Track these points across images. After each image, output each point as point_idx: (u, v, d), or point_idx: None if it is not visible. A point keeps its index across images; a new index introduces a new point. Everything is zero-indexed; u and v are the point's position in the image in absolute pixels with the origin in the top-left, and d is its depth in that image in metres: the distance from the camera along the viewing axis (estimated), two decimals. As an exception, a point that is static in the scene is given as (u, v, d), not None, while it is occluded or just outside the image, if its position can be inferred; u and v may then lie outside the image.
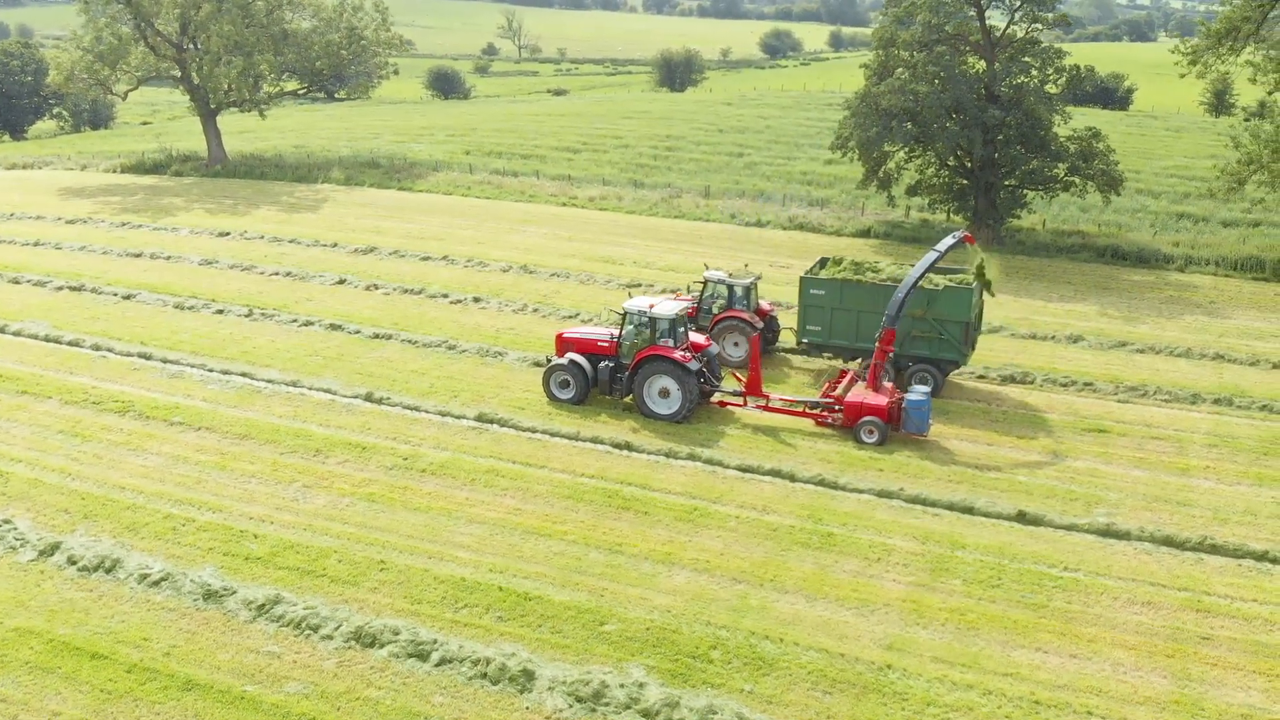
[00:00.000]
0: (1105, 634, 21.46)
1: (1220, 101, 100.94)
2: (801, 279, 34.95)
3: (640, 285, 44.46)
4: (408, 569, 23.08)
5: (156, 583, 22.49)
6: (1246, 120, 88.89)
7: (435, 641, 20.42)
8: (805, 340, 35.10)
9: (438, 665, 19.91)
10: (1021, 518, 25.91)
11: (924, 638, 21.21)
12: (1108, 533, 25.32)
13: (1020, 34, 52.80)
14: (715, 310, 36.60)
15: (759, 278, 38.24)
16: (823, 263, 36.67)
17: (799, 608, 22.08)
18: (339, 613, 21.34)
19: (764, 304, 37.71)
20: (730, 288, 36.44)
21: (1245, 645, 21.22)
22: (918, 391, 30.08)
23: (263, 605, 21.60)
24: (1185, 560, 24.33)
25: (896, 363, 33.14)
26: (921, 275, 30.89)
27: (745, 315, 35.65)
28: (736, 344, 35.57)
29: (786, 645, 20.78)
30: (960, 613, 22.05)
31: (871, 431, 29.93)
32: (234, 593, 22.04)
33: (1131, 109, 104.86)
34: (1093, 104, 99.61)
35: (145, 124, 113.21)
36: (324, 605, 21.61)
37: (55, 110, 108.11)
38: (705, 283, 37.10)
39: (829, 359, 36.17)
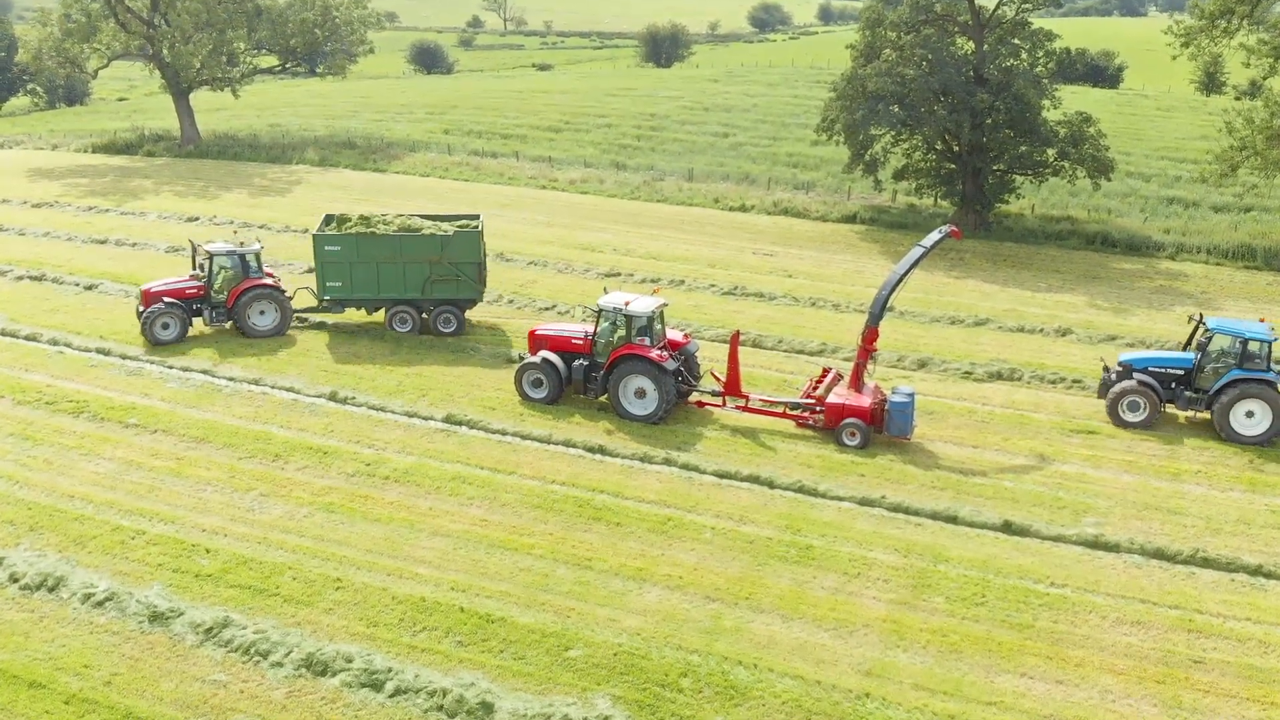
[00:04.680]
0: (1093, 657, 20.54)
1: (1211, 80, 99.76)
2: (314, 237, 35.73)
3: (620, 274, 43.38)
4: (365, 587, 22.01)
5: (101, 603, 21.38)
6: (1237, 99, 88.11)
7: (390, 670, 19.38)
8: (327, 298, 36.11)
9: (392, 696, 18.88)
10: (1007, 528, 24.95)
11: (904, 662, 20.26)
12: (1096, 544, 24.38)
13: (1010, 14, 51.62)
14: (219, 284, 35.69)
15: (260, 243, 37.54)
16: (329, 220, 37.44)
17: (775, 629, 21.10)
18: (290, 637, 20.28)
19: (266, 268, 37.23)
20: (241, 257, 35.85)
21: (1238, 669, 20.33)
22: (902, 393, 29.07)
23: (210, 628, 20.52)
24: (1176, 575, 23.42)
25: (419, 307, 35.96)
26: (908, 271, 29.81)
27: (269, 281, 35.81)
28: (263, 312, 35.75)
29: (761, 671, 19.81)
30: (942, 634, 21.10)
31: (853, 434, 28.93)
32: (181, 614, 20.94)
33: (1122, 87, 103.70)
34: (1083, 82, 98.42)
35: (121, 100, 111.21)
36: (275, 629, 20.53)
37: (29, 87, 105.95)
38: (210, 256, 35.77)
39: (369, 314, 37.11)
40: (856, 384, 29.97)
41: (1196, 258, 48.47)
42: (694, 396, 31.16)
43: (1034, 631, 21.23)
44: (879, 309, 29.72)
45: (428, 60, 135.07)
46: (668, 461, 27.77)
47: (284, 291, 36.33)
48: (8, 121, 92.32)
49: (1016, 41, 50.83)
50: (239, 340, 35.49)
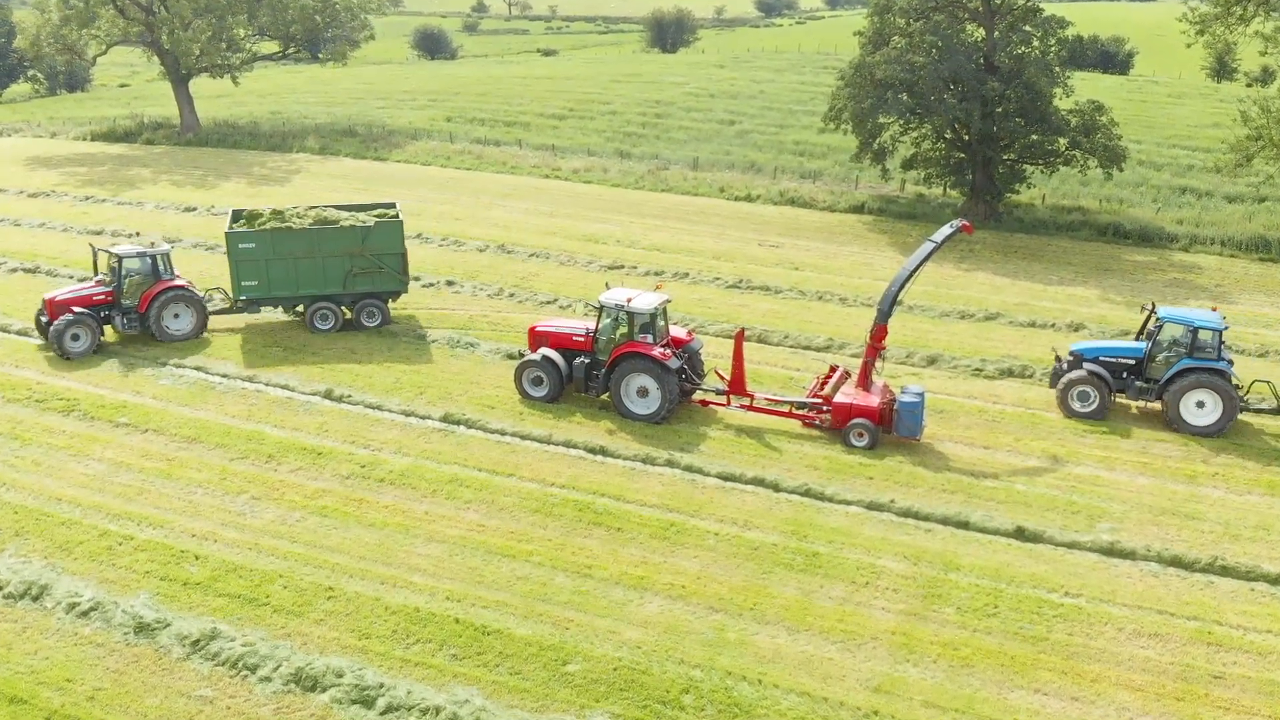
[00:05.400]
0: (1109, 672, 19.85)
1: (1223, 66, 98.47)
2: (228, 235, 34.39)
3: (623, 267, 42.62)
4: (357, 597, 21.37)
5: (86, 613, 20.78)
6: (1248, 85, 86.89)
7: (382, 686, 18.73)
8: (243, 298, 34.71)
9: (383, 714, 18.24)
10: (1020, 534, 24.25)
11: (914, 677, 19.58)
12: (1111, 551, 23.67)
13: (1022, 0, 50.58)
14: (129, 289, 33.64)
15: (169, 243, 35.78)
16: (237, 215, 35.81)
17: (780, 641, 20.43)
18: (279, 650, 19.64)
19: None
20: (151, 259, 34.02)
21: (1259, 685, 19.63)
22: (911, 393, 28.32)
23: (197, 641, 19.90)
24: (1194, 584, 22.70)
25: (340, 301, 34.98)
26: (918, 267, 29.01)
27: (182, 283, 34.16)
28: (177, 315, 33.96)
29: (765, 687, 19.14)
30: (953, 647, 20.42)
31: (861, 434, 28.19)
32: (168, 625, 20.32)
33: (1132, 73, 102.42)
34: (1093, 68, 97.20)
35: (124, 86, 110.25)
36: (264, 641, 19.90)
37: (30, 73, 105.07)
38: (119, 260, 33.61)
39: (285, 313, 36.19)
40: (865, 383, 29.23)
41: (1210, 249, 47.56)
42: (698, 395, 30.42)
43: (1048, 644, 20.55)
44: (888, 306, 28.95)
45: (431, 46, 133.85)
46: (670, 463, 27.06)
47: (198, 293, 34.79)
48: (8, 108, 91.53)
49: (1028, 29, 49.81)
50: (232, 335, 34.80)
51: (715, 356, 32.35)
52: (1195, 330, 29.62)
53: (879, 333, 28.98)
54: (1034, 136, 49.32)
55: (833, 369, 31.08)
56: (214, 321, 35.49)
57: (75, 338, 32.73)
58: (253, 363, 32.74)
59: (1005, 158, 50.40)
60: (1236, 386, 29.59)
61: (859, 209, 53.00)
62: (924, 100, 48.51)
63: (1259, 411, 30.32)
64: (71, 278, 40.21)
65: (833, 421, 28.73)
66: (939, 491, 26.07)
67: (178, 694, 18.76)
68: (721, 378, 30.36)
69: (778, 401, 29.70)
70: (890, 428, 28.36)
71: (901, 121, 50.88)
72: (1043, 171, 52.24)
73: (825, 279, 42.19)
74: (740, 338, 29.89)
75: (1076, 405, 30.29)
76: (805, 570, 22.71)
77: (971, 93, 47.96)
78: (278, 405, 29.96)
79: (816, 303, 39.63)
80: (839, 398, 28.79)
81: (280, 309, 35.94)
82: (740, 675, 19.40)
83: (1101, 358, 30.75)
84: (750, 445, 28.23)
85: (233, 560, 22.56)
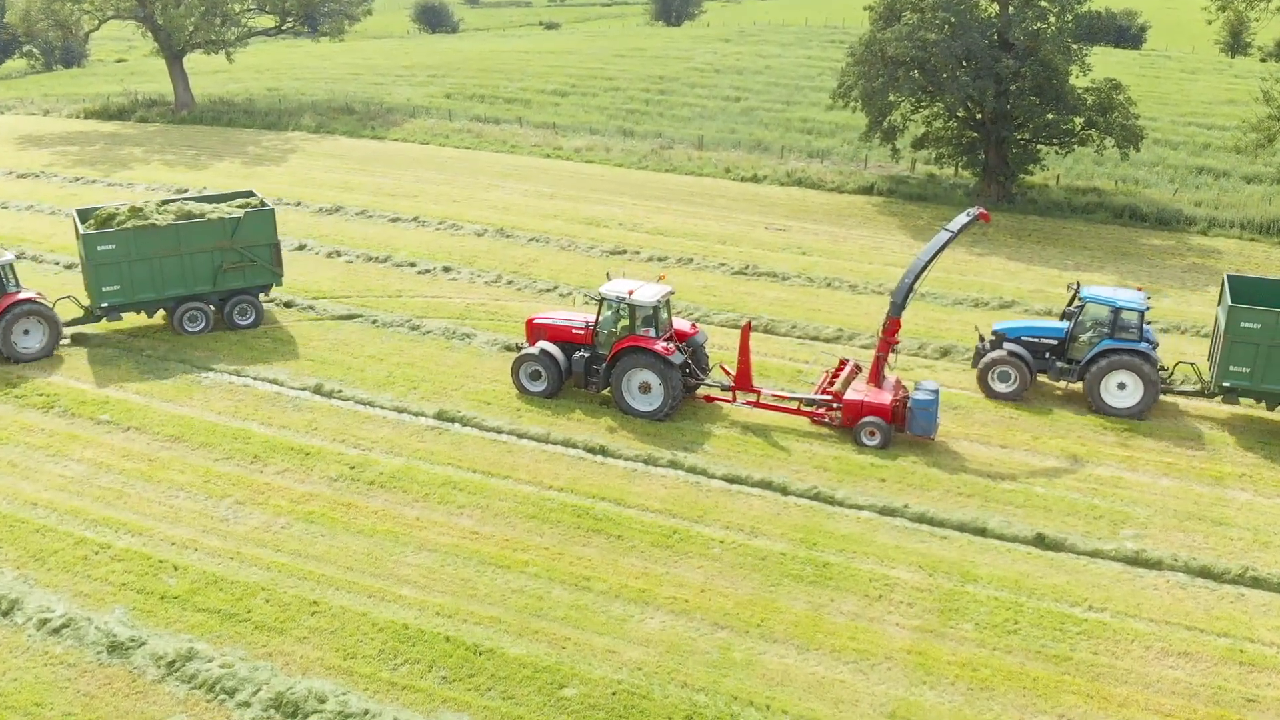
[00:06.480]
0: (1137, 695, 18.76)
1: (1236, 40, 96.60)
2: (84, 236, 31.47)
3: (625, 252, 41.35)
4: (343, 612, 20.29)
5: (57, 629, 19.75)
6: (1262, 60, 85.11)
7: (367, 712, 17.69)
8: (104, 305, 31.97)
9: (368, 744, 17.21)
10: (1040, 541, 23.13)
11: (931, 701, 18.49)
12: (1136, 560, 22.55)
13: (1037, -26, 48.98)
14: None
15: (12, 252, 32.74)
16: (86, 215, 32.96)
17: (789, 661, 19.33)
18: (259, 672, 18.57)
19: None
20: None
21: (1297, 709, 18.54)
22: (925, 390, 27.13)
23: (173, 661, 18.86)
24: (1224, 596, 21.59)
25: (208, 300, 32.91)
26: (934, 257, 27.74)
27: (31, 296, 30.77)
28: (27, 331, 30.52)
29: (773, 713, 18.06)
30: (972, 667, 19.32)
31: (873, 433, 27.02)
32: (143, 644, 19.28)
33: (1145, 47, 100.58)
34: (1105, 43, 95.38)
35: (120, 61, 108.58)
36: (243, 662, 18.84)
37: (25, 48, 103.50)
38: None
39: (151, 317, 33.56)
40: (876, 378, 28.02)
41: (1230, 233, 46.16)
42: (702, 391, 29.23)
43: (1072, 664, 19.45)
44: (902, 298, 27.69)
45: (432, 19, 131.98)
46: (673, 464, 25.91)
47: (48, 305, 31.29)
48: (2, 85, 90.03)
49: (1044, 3, 48.23)
50: (222, 327, 33.55)
51: (720, 348, 31.15)
52: (1118, 311, 29.10)
53: (892, 325, 27.73)
54: (1049, 115, 47.78)
55: (843, 362, 29.91)
56: (88, 331, 32.91)
57: None
58: (239, 355, 31.55)
59: (1019, 137, 48.95)
60: (1160, 368, 29.12)
61: (868, 190, 51.58)
62: (936, 78, 47.03)
63: (1182, 394, 29.67)
64: (58, 264, 39.12)
65: (843, 419, 27.56)
66: (955, 495, 24.92)
67: (151, 720, 17.74)
68: (727, 373, 29.16)
69: (785, 398, 28.51)
70: (903, 426, 27.18)
71: (913, 100, 49.39)
72: (1057, 152, 50.81)
73: (834, 264, 40.87)
74: (747, 331, 28.65)
75: (997, 385, 29.85)
76: (815, 582, 21.60)
77: (985, 70, 46.45)
78: (265, 401, 28.82)
79: (825, 290, 38.32)
80: (850, 394, 27.61)
81: (144, 313, 33.13)
82: (747, 700, 18.32)
83: (1023, 338, 30.25)
84: (757, 445, 27.06)
85: (213, 571, 21.49)
